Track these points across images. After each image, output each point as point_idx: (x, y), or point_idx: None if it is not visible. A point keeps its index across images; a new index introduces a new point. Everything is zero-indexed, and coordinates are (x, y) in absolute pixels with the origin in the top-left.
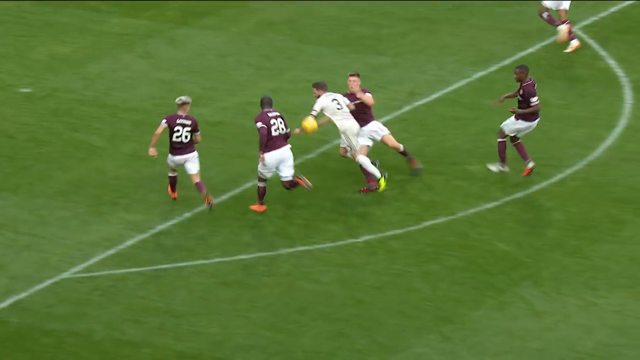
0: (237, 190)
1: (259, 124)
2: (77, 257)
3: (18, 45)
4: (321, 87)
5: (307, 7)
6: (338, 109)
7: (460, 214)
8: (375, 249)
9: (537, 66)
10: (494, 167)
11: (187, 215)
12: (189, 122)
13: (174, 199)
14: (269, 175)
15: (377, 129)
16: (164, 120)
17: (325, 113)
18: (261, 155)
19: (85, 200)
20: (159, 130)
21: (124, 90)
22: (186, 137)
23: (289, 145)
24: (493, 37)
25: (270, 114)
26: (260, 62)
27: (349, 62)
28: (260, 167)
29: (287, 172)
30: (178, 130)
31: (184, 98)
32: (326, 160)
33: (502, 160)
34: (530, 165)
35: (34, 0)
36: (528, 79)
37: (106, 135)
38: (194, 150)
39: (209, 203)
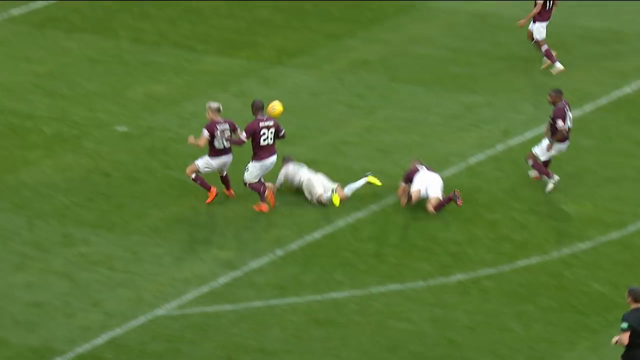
0: (329, 228)
1: (205, 133)
2: (170, 294)
3: (115, 84)
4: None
5: (400, 46)
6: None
7: (555, 254)
8: (467, 289)
9: (633, 105)
10: (549, 186)
11: (279, 253)
12: (227, 126)
13: (231, 197)
14: (255, 176)
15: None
16: (206, 131)
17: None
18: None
19: (179, 238)
20: (202, 142)
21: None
22: (227, 140)
23: (275, 156)
24: (589, 76)
25: (261, 124)
26: (353, 101)
27: (442, 101)
28: (249, 180)
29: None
30: (222, 134)
31: (217, 103)
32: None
33: (548, 174)
34: (554, 180)
35: (131, 40)
36: (561, 102)
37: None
38: (231, 152)
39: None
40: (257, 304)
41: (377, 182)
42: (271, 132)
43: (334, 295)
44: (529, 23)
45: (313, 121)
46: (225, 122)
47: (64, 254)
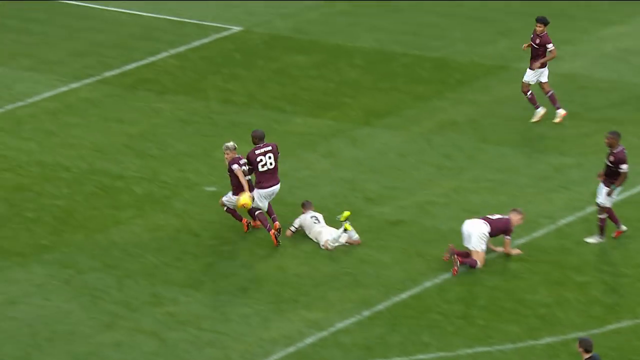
0: (416, 289)
1: (235, 166)
2: (258, 354)
3: (205, 145)
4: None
5: (489, 107)
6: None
7: None
8: (557, 352)
9: None
10: (592, 239)
11: (366, 313)
12: (245, 160)
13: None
14: (261, 206)
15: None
16: (236, 165)
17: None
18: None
19: (266, 298)
20: (242, 175)
21: (306, 189)
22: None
23: (278, 184)
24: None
25: (257, 151)
26: (441, 162)
27: (531, 162)
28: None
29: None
30: (244, 165)
31: (233, 142)
32: (506, 261)
33: (602, 233)
34: (623, 228)
35: (220, 101)
36: (619, 146)
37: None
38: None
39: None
40: None
41: (348, 227)
42: (269, 157)
43: (421, 357)
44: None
45: (400, 182)
46: (242, 157)
47: (152, 314)
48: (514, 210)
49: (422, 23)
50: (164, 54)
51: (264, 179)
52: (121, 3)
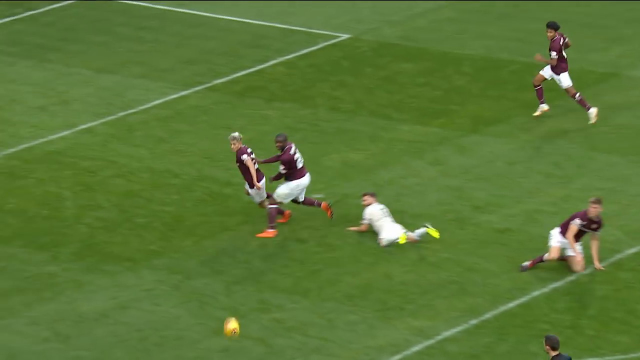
0: (524, 298)
1: (244, 157)
2: None
3: (312, 152)
4: None
5: (600, 115)
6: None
7: None
8: None
9: None
10: None
11: (473, 322)
12: (251, 150)
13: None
14: (286, 201)
15: None
16: (245, 156)
17: None
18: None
19: (372, 305)
20: (252, 166)
21: (412, 196)
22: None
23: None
24: None
25: (291, 152)
26: (550, 170)
27: None
28: (281, 197)
29: (302, 197)
30: (251, 154)
31: (237, 134)
32: (617, 270)
33: None
34: None
35: (328, 108)
36: None
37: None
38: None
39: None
40: None
41: (436, 234)
42: (298, 152)
43: None
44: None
45: (508, 190)
46: (248, 147)
47: (259, 320)
48: (592, 200)
49: (530, 30)
50: (272, 62)
51: (298, 173)
52: (232, 11)
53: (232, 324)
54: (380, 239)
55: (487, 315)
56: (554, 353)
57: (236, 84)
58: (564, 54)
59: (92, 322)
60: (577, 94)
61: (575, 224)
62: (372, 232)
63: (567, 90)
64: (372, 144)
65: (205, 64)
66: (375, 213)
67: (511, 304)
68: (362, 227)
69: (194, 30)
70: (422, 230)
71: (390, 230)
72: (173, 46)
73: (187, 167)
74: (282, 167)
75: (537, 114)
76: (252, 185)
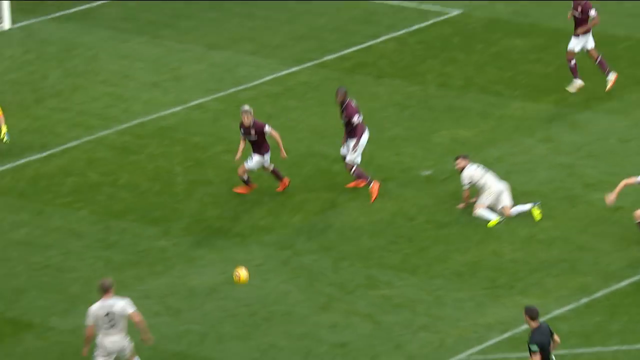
0: (636, 277)
1: (268, 128)
2: (472, 339)
3: (421, 129)
4: None
5: None
6: None
7: None
8: None
9: None
10: None
11: (584, 301)
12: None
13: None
14: (360, 159)
15: None
16: (268, 127)
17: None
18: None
19: (481, 283)
20: (279, 135)
21: (522, 174)
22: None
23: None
24: None
25: (353, 104)
26: None
27: None
28: (357, 158)
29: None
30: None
31: (248, 107)
32: None
33: None
34: None
35: (438, 85)
36: None
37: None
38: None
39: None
40: (561, 352)
41: (537, 216)
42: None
43: None
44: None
45: (621, 167)
46: None
47: (367, 296)
48: None
49: None
50: (382, 38)
51: (360, 130)
52: None
53: (241, 274)
54: (479, 204)
55: (598, 294)
56: (534, 324)
57: (346, 61)
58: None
59: (202, 296)
60: (599, 57)
61: None
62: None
63: (590, 53)
64: (481, 121)
65: (315, 41)
66: (475, 174)
67: (623, 283)
68: (465, 194)
69: (305, 6)
70: (526, 206)
71: (500, 188)
72: (284, 22)
73: (296, 144)
74: (356, 117)
75: (572, 90)
76: (263, 153)
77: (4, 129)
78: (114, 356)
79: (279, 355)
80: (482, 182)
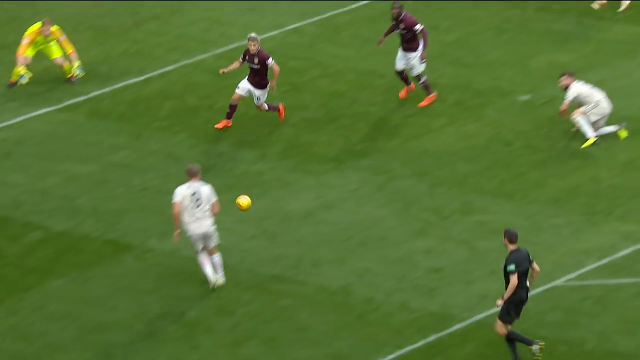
0: None
1: (271, 60)
2: (569, 265)
3: (519, 53)
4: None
5: None
6: None
7: None
8: None
9: None
10: None
11: None
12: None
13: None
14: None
15: None
16: (271, 59)
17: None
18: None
19: (579, 209)
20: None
21: (622, 98)
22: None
23: None
24: None
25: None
26: None
27: None
28: (423, 69)
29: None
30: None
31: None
32: None
33: None
34: None
35: (537, 9)
36: None
37: (602, 145)
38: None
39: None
40: None
41: (623, 135)
42: None
43: None
44: None
45: None
46: None
47: (463, 222)
48: None
49: None
50: None
51: (425, 36)
52: None
53: (241, 202)
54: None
55: None
56: (512, 247)
57: None
58: None
59: (297, 220)
60: None
61: None
62: (579, 136)
63: None
64: (581, 44)
65: None
66: (582, 89)
67: None
68: (564, 107)
69: None
70: (612, 128)
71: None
72: None
73: (392, 68)
74: (418, 26)
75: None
76: (261, 87)
77: (77, 63)
78: (202, 244)
79: (374, 280)
80: (588, 98)
